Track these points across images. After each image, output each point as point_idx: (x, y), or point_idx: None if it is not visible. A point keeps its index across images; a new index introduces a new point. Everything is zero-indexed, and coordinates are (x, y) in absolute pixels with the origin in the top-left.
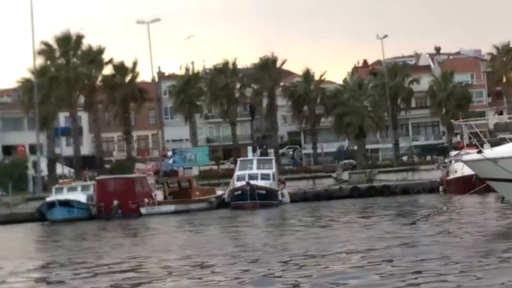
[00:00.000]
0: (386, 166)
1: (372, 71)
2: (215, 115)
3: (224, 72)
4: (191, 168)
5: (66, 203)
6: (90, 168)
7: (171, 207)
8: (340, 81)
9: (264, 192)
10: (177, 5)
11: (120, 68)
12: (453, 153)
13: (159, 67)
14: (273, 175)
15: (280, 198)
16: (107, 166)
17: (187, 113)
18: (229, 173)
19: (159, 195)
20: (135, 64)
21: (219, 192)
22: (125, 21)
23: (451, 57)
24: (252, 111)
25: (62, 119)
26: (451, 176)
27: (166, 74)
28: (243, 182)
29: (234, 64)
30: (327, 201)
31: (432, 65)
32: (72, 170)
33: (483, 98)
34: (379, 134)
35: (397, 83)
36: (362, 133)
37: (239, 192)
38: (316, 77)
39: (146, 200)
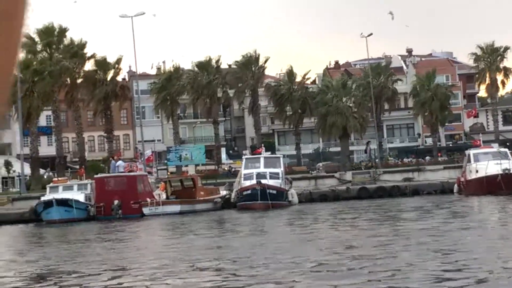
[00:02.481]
0: (370, 168)
1: (346, 72)
2: (188, 115)
3: (207, 70)
4: (164, 169)
5: (64, 203)
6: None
7: (176, 208)
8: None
9: (275, 192)
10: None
11: (103, 64)
12: (473, 150)
13: (129, 66)
14: (282, 174)
15: (290, 198)
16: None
17: (168, 111)
18: (212, 174)
19: (161, 194)
20: (119, 60)
21: (223, 192)
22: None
23: (423, 59)
24: (225, 111)
25: None
26: (472, 176)
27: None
28: (252, 181)
29: (218, 62)
30: (335, 202)
31: (404, 67)
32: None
33: (459, 100)
34: (353, 136)
35: (381, 83)
36: (346, 134)
37: (249, 191)
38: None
39: (148, 199)
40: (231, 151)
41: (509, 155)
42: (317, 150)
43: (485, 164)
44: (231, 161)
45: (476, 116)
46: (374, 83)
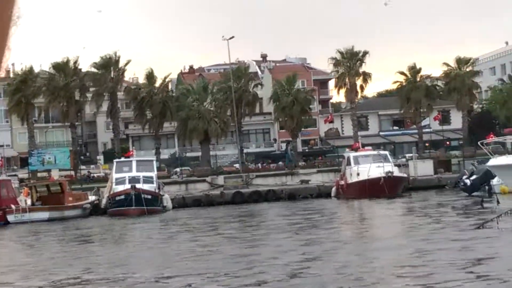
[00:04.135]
0: (231, 173)
1: (201, 76)
2: (39, 119)
3: (64, 71)
4: (14, 175)
5: None
6: None
7: (44, 215)
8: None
9: (150, 197)
10: None
11: None
12: (352, 153)
13: None
14: (156, 178)
15: (164, 204)
16: None
17: (22, 114)
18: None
19: (26, 200)
20: None
21: (91, 197)
22: None
23: (278, 64)
24: (77, 115)
25: None
26: (353, 180)
27: None
28: (125, 186)
29: (76, 63)
30: (209, 207)
31: (259, 72)
32: None
33: (315, 106)
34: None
35: (242, 87)
36: (207, 138)
37: (122, 197)
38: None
39: (13, 206)
40: (82, 157)
41: (389, 157)
42: (174, 155)
43: (367, 167)
44: (84, 167)
45: (331, 121)
46: (234, 87)
